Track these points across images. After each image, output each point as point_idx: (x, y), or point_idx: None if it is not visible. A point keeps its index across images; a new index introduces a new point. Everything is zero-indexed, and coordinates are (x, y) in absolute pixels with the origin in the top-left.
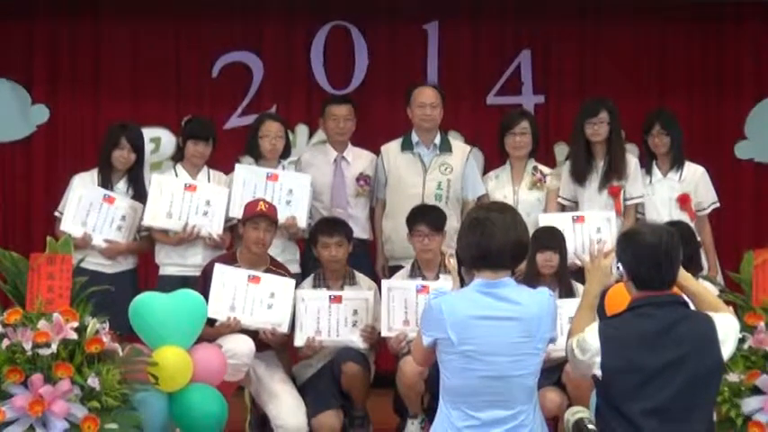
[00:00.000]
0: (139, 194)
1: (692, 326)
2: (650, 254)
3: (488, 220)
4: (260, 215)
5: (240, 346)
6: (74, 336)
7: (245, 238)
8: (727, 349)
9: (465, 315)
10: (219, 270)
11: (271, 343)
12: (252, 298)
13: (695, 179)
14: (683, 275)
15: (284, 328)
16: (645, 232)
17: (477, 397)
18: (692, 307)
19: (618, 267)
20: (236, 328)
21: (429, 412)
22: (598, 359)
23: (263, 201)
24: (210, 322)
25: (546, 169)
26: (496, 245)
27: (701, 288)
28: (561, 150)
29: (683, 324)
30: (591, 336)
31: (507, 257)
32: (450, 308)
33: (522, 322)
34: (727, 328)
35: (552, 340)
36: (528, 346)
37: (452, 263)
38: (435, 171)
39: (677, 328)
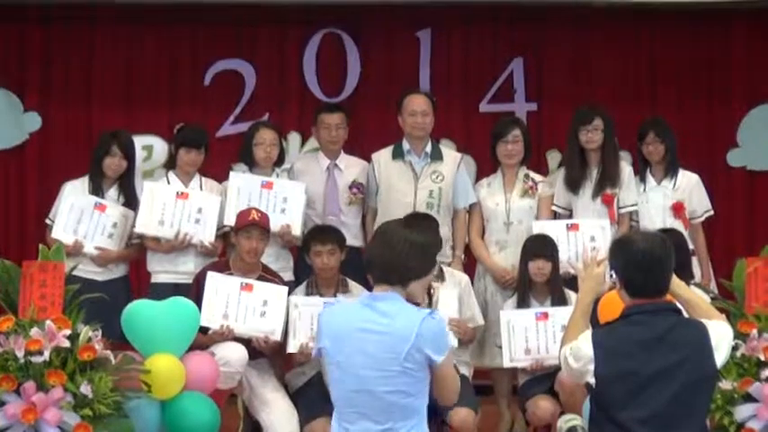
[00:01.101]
0: (130, 202)
1: (686, 333)
2: (642, 261)
3: (381, 234)
4: (252, 224)
5: (233, 354)
6: (66, 343)
7: (237, 248)
8: (720, 356)
9: (341, 326)
10: (212, 278)
11: (264, 351)
12: (245, 306)
13: (689, 187)
14: (676, 283)
15: (277, 336)
16: (637, 240)
17: (349, 408)
18: (686, 314)
19: (611, 275)
20: (228, 336)
21: None
22: (591, 367)
23: (256, 210)
24: (203, 330)
25: (538, 177)
26: (372, 258)
27: (693, 295)
28: (554, 158)
29: (676, 331)
30: (584, 343)
31: (380, 272)
32: (329, 318)
33: (390, 338)
34: (721, 335)
35: (432, 363)
36: (395, 362)
37: None
38: (427, 179)
39: (670, 336)
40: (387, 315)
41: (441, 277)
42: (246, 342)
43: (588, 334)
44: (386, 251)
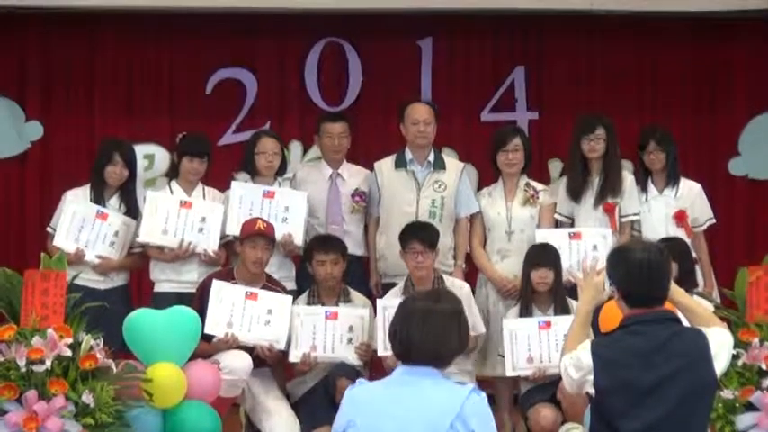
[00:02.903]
0: (131, 211)
1: (685, 342)
2: (640, 271)
3: (420, 314)
4: (258, 234)
5: (238, 362)
6: (68, 352)
7: (242, 257)
8: (720, 364)
9: (375, 402)
10: (217, 286)
11: (267, 359)
12: (249, 314)
13: (691, 196)
14: (675, 290)
15: (282, 345)
16: (635, 249)
17: None
18: (685, 322)
19: (611, 284)
20: (233, 344)
21: None
22: (591, 377)
23: (261, 219)
24: (207, 338)
25: (539, 185)
26: (410, 340)
27: (693, 303)
28: (555, 167)
29: (675, 340)
30: (584, 353)
31: (419, 355)
32: (361, 395)
33: (431, 413)
34: (720, 343)
35: None
36: None
37: None
38: (429, 188)
39: (669, 345)
40: (426, 390)
41: (442, 286)
42: (249, 351)
43: (587, 344)
44: (428, 335)
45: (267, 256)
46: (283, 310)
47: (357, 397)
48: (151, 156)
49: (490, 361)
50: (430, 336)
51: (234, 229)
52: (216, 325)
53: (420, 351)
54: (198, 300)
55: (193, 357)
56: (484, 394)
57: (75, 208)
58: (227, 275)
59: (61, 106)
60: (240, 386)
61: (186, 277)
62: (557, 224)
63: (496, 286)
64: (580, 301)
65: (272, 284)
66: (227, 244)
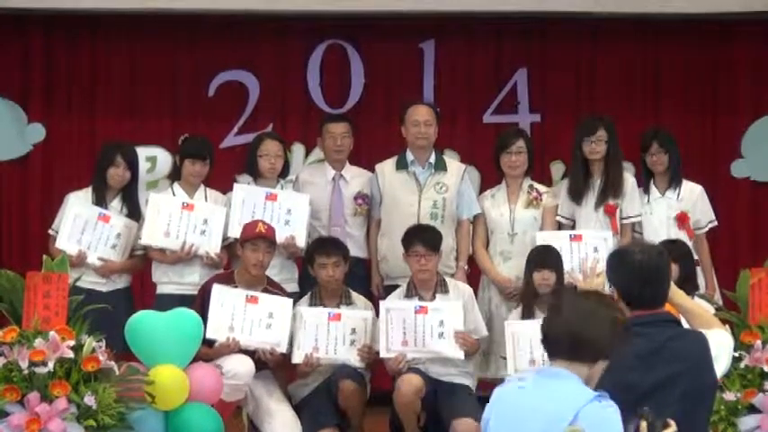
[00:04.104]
0: (133, 213)
1: (685, 344)
2: (640, 273)
3: (576, 307)
4: (259, 236)
5: (241, 367)
6: (70, 354)
7: (243, 260)
8: (720, 366)
9: (507, 403)
10: (218, 290)
11: (269, 362)
12: (250, 318)
13: (693, 198)
14: (675, 292)
15: (283, 348)
16: (634, 251)
17: None
18: (686, 324)
19: (611, 286)
20: (235, 348)
21: (425, 431)
22: None
23: (262, 222)
24: (209, 342)
25: (542, 187)
26: (564, 331)
27: (693, 305)
28: (558, 169)
29: (675, 342)
30: None
31: (569, 347)
32: (499, 394)
33: (545, 417)
34: (721, 345)
35: None
36: None
37: None
38: (430, 190)
39: (670, 347)
40: (550, 392)
41: (444, 289)
42: (251, 354)
43: None
44: (585, 324)
45: (268, 259)
46: (284, 314)
47: (495, 396)
48: (153, 158)
49: (493, 363)
50: (567, 329)
51: (236, 232)
52: (217, 329)
53: (555, 345)
54: (199, 303)
55: (195, 361)
56: (608, 402)
57: (77, 210)
58: (228, 278)
59: (63, 108)
60: (244, 390)
61: (188, 279)
62: (559, 226)
63: (499, 288)
64: None
65: (272, 287)
66: (228, 246)
